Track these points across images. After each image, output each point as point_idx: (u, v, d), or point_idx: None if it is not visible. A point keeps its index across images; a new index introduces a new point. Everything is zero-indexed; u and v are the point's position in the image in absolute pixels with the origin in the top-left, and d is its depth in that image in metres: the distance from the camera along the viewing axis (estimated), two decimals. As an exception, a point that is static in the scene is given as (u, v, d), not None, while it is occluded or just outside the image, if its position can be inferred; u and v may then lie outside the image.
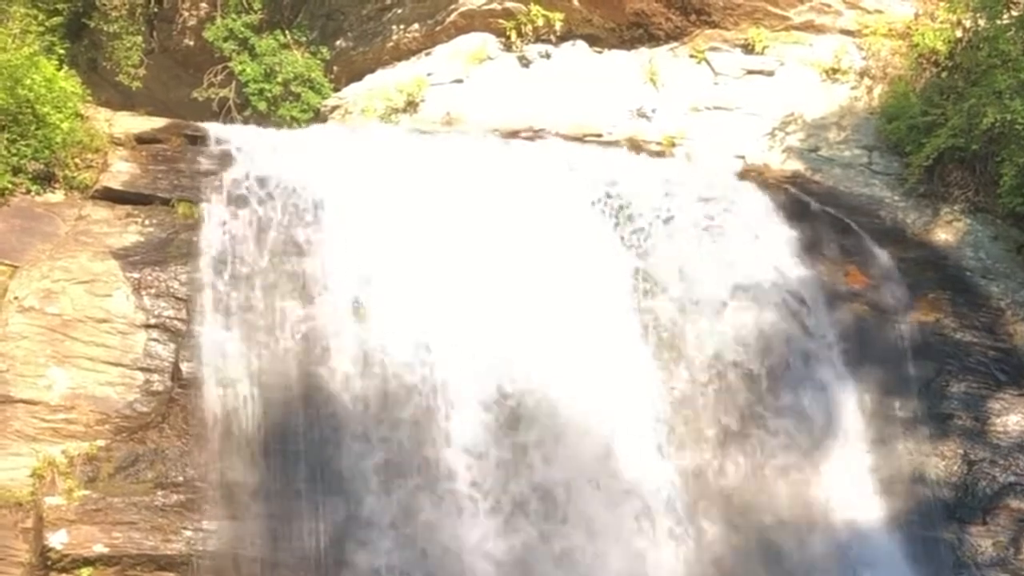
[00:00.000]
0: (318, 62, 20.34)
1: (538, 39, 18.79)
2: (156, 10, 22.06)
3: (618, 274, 15.04)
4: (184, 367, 13.71)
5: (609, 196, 15.61)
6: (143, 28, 21.96)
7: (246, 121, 19.29)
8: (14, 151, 14.65)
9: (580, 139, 17.67)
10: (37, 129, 14.77)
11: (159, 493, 13.25)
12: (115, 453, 13.38)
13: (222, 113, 20.20)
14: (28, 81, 14.80)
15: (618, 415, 14.20)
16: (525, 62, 18.75)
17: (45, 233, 14.39)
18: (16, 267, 13.96)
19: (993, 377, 15.54)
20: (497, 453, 13.75)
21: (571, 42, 18.90)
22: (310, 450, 13.50)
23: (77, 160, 15.01)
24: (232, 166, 15.03)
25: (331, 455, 13.50)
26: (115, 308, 13.81)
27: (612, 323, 14.62)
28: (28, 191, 14.72)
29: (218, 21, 20.81)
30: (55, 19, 20.53)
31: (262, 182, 14.70)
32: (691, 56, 18.78)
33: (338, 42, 20.46)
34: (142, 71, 21.51)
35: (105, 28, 21.64)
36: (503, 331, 14.05)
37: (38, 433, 13.28)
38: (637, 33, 18.97)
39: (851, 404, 15.06)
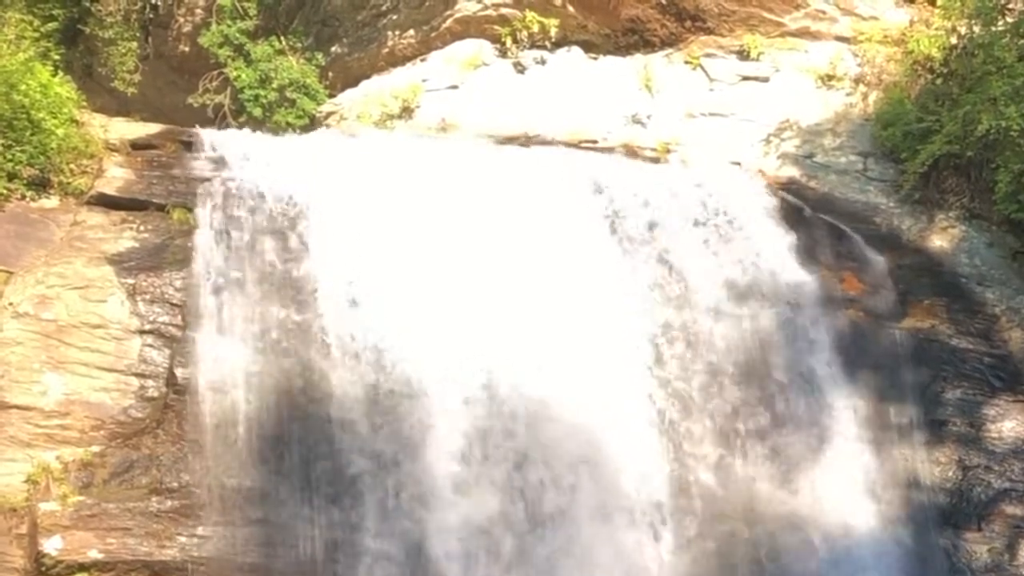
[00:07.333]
0: (313, 68, 20.34)
1: (533, 45, 18.78)
2: (151, 16, 22.11)
3: (613, 280, 15.03)
4: (179, 373, 13.69)
5: (607, 202, 15.61)
6: (138, 34, 22.00)
7: (241, 127, 19.29)
8: (9, 157, 14.62)
9: (575, 145, 17.66)
10: (32, 135, 14.75)
11: (154, 499, 13.22)
12: (110, 459, 13.35)
13: (217, 119, 20.19)
14: (23, 87, 14.77)
15: (613, 420, 14.19)
16: (520, 68, 18.74)
17: (40, 239, 14.37)
18: (11, 273, 13.92)
19: (988, 383, 15.54)
20: (492, 457, 13.75)
21: (566, 48, 18.90)
22: (305, 456, 13.48)
23: (72, 166, 15.00)
24: (227, 172, 15.02)
25: (326, 461, 13.48)
26: (110, 314, 13.79)
27: (607, 328, 14.61)
28: (23, 197, 14.70)
29: (213, 27, 20.82)
30: (50, 25, 20.58)
31: (257, 188, 14.69)
32: (686, 62, 18.79)
33: (333, 48, 20.46)
34: (137, 77, 21.55)
35: (100, 34, 21.69)
36: (502, 336, 14.05)
37: (32, 439, 13.26)
38: (632, 39, 18.98)
39: (846, 410, 15.04)
